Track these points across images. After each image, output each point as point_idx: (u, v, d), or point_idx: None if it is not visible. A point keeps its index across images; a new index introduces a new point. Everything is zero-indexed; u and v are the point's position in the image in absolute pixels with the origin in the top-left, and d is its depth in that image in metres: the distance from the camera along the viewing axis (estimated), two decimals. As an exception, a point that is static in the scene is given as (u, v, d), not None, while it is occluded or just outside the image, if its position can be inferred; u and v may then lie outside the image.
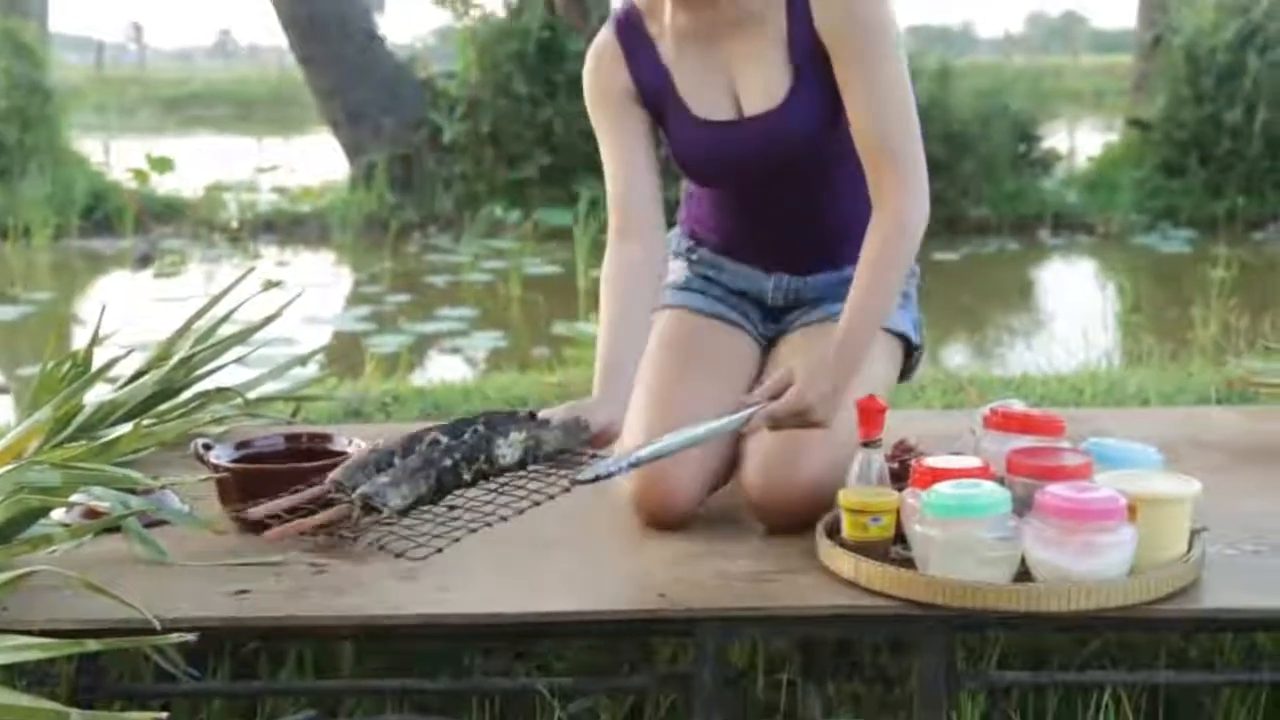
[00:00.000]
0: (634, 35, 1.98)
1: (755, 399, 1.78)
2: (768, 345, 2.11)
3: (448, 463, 1.65)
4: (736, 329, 2.10)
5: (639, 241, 1.97)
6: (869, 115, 1.85)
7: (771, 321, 2.12)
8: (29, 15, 11.45)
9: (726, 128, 1.95)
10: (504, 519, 1.66)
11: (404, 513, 1.62)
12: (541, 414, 1.80)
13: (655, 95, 1.98)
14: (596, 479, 1.65)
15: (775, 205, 2.03)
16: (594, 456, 1.75)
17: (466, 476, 1.67)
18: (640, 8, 1.99)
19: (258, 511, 1.70)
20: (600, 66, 2.00)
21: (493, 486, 1.71)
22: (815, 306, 2.07)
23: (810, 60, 1.88)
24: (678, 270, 2.14)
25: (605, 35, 2.01)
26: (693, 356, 2.03)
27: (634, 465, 1.70)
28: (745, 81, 1.93)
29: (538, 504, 1.68)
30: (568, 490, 1.69)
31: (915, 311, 2.12)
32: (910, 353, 2.11)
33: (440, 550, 1.60)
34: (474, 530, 1.64)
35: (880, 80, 1.85)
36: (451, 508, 1.67)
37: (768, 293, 2.10)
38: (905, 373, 2.12)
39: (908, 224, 1.84)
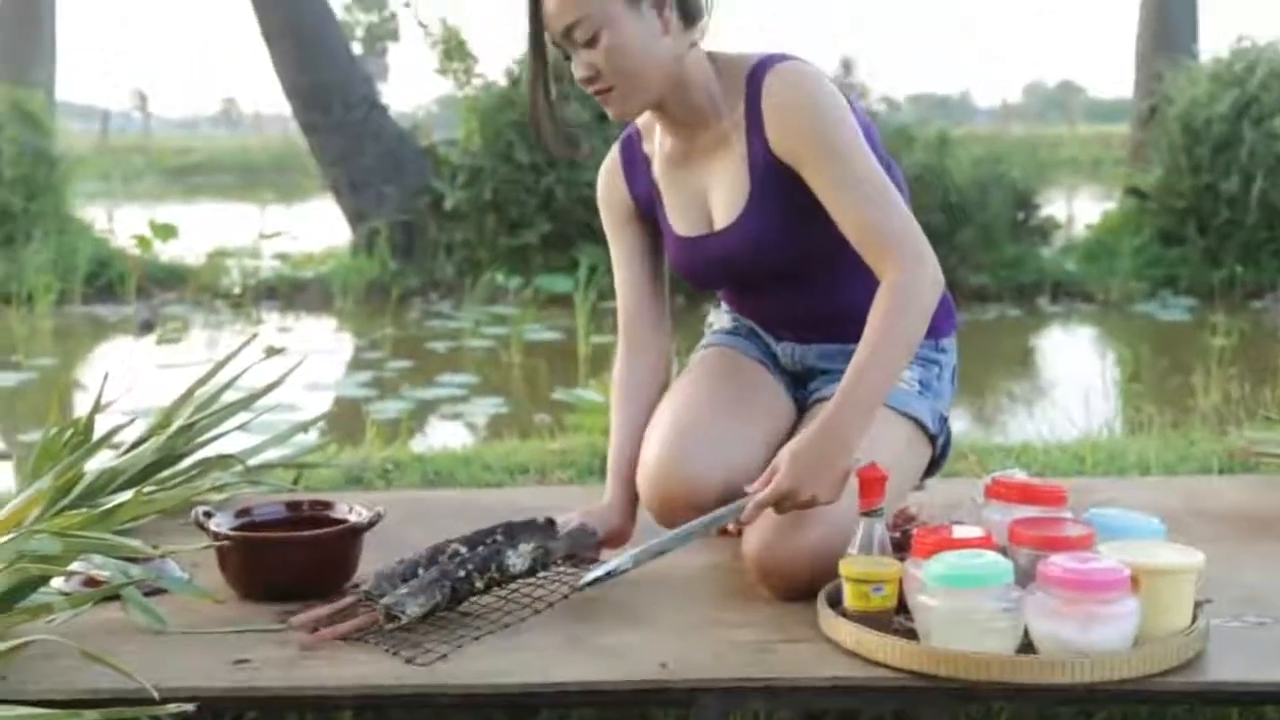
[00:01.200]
0: (633, 153, 2.11)
1: (749, 489, 1.81)
2: (800, 413, 2.11)
3: (461, 574, 1.81)
4: (770, 376, 2.12)
5: (644, 354, 2.11)
6: (849, 212, 1.86)
7: (801, 387, 2.13)
8: (36, 84, 11.56)
9: (700, 241, 2.04)
10: (506, 626, 1.80)
11: (422, 619, 1.76)
12: (560, 520, 1.95)
13: (650, 209, 2.10)
14: (586, 586, 1.80)
15: (769, 302, 2.11)
16: (596, 562, 1.90)
17: (479, 585, 1.83)
18: (641, 127, 2.10)
19: (300, 620, 1.77)
20: (606, 181, 2.14)
21: (503, 593, 1.88)
22: (830, 381, 2.02)
23: (766, 176, 1.94)
24: (725, 320, 2.23)
25: (612, 152, 2.14)
26: (724, 383, 2.07)
27: (634, 565, 1.81)
28: (714, 198, 2.02)
29: (538, 612, 1.83)
30: (566, 598, 1.85)
31: (937, 402, 2.06)
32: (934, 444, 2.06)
33: (445, 656, 1.70)
34: (477, 639, 1.75)
35: (848, 177, 1.86)
36: (465, 614, 1.82)
37: (778, 356, 2.14)
38: (930, 467, 2.09)
39: (909, 297, 1.81)
